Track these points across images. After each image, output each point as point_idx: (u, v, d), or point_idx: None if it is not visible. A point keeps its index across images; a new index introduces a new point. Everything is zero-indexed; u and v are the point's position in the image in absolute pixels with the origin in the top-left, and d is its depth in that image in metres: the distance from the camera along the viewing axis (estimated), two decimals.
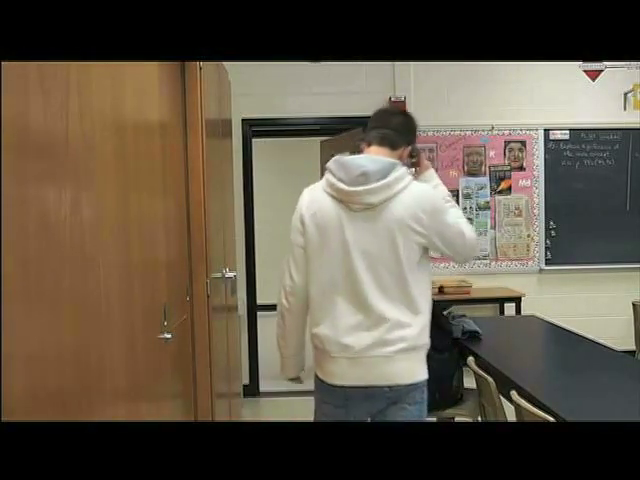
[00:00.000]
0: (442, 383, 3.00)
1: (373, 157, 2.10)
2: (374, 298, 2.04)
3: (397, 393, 2.09)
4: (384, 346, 2.05)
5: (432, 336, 3.06)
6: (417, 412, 2.14)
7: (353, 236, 2.05)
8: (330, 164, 2.13)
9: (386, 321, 2.05)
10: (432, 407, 3.01)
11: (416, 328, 2.09)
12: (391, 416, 2.12)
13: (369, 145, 2.19)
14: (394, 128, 2.20)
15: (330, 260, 2.08)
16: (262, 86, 4.83)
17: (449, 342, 3.04)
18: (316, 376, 2.21)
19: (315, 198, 2.14)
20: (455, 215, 2.17)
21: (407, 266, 2.04)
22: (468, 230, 2.16)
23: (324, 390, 2.17)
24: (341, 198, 2.06)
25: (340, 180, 2.05)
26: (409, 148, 2.23)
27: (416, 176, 2.25)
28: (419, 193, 2.07)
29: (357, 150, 2.22)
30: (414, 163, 2.28)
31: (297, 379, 2.38)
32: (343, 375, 2.10)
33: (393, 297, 2.05)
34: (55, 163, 1.27)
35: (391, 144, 2.17)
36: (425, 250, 2.11)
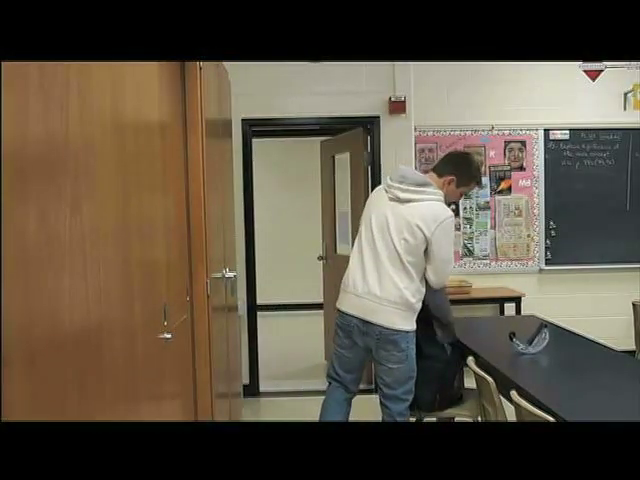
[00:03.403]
0: (442, 383, 3.01)
1: (416, 172, 3.13)
2: (384, 261, 2.86)
3: (383, 334, 2.83)
4: (381, 296, 2.84)
5: (431, 337, 3.09)
6: (403, 357, 2.85)
7: (384, 216, 2.90)
8: (392, 171, 3.08)
9: (386, 278, 2.84)
10: (432, 407, 3.03)
11: (407, 291, 2.84)
12: (382, 357, 2.87)
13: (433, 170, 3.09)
14: (443, 161, 3.11)
15: (365, 230, 2.98)
16: (262, 86, 4.83)
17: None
18: (337, 309, 3.03)
19: (376, 190, 3.11)
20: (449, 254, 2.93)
21: (402, 250, 2.83)
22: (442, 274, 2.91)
23: (339, 317, 3.00)
24: (386, 189, 2.97)
25: (390, 179, 2.97)
26: (451, 178, 2.97)
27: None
28: (437, 205, 2.88)
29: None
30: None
31: None
32: (350, 306, 2.93)
33: (395, 265, 2.85)
34: (55, 163, 1.27)
35: (437, 172, 3.02)
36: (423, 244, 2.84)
